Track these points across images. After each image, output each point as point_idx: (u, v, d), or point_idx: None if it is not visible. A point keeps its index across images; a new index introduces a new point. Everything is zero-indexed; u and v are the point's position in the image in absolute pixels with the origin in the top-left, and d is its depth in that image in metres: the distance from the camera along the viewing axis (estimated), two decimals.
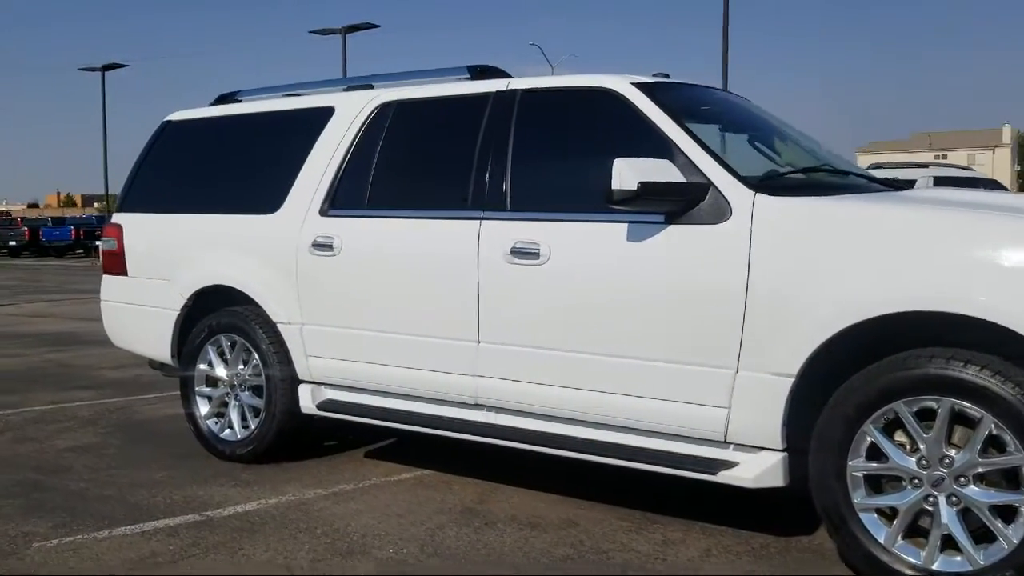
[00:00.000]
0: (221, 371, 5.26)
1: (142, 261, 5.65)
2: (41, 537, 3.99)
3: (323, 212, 4.84)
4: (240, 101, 5.75)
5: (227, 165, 5.50)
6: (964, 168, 19.50)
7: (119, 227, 5.78)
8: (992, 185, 13.93)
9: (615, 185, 3.58)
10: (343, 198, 4.83)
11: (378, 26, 30.96)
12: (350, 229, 4.71)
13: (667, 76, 4.40)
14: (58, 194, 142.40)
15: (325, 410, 4.83)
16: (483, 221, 4.24)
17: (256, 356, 5.06)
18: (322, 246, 4.76)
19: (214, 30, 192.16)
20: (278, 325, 4.97)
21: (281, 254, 4.94)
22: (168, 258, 5.47)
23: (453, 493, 4.58)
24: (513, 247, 4.10)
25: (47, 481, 4.86)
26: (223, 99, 5.85)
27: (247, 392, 5.16)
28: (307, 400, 4.90)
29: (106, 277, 5.90)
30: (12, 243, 40.85)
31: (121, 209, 5.87)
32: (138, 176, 5.85)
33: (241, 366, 5.18)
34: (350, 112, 4.96)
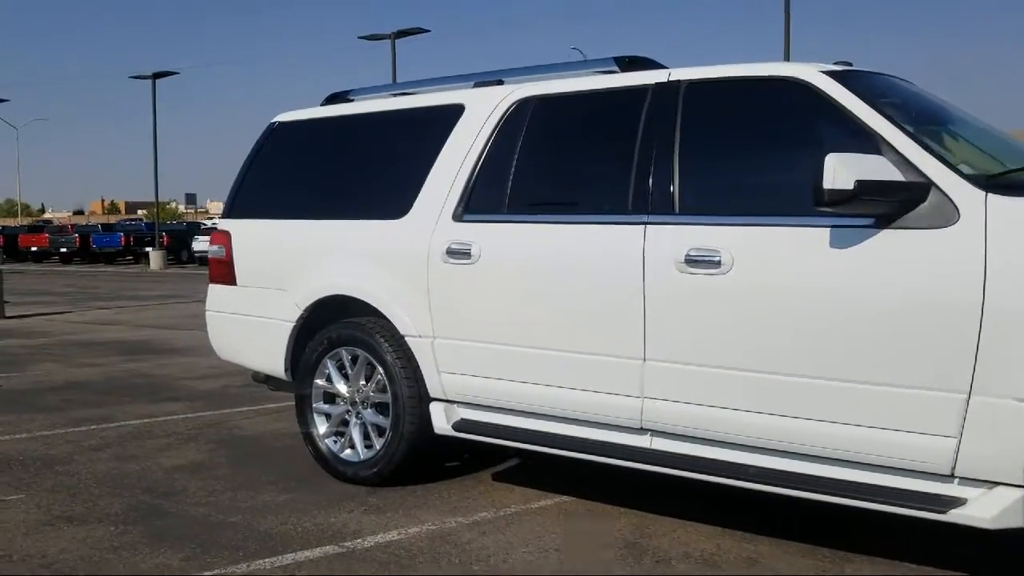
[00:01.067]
0: (341, 387, 4.92)
1: (253, 270, 5.33)
2: (177, 571, 3.66)
3: (457, 217, 4.48)
4: (352, 100, 5.43)
5: (344, 168, 5.17)
6: None
7: (227, 234, 5.47)
8: None
9: (827, 184, 3.17)
10: (479, 202, 4.47)
11: (428, 31, 30.77)
12: (490, 235, 4.35)
13: (850, 64, 3.98)
14: (102, 201, 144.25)
15: (462, 431, 4.47)
16: (648, 226, 3.86)
17: (381, 371, 4.71)
18: (458, 253, 4.40)
19: (261, 38, 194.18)
20: (407, 338, 4.61)
21: (410, 262, 4.59)
22: (282, 267, 5.15)
23: (605, 524, 4.19)
24: (687, 255, 3.70)
25: (164, 505, 4.54)
26: (333, 99, 5.53)
27: (370, 410, 4.81)
28: (440, 420, 4.53)
29: (212, 286, 5.59)
30: (64, 249, 41.20)
31: (229, 215, 5.56)
32: (246, 180, 5.54)
33: (363, 382, 4.83)
34: (483, 110, 4.60)
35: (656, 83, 4.07)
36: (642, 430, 3.94)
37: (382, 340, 4.68)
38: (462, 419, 4.51)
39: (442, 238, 4.48)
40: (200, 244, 38.17)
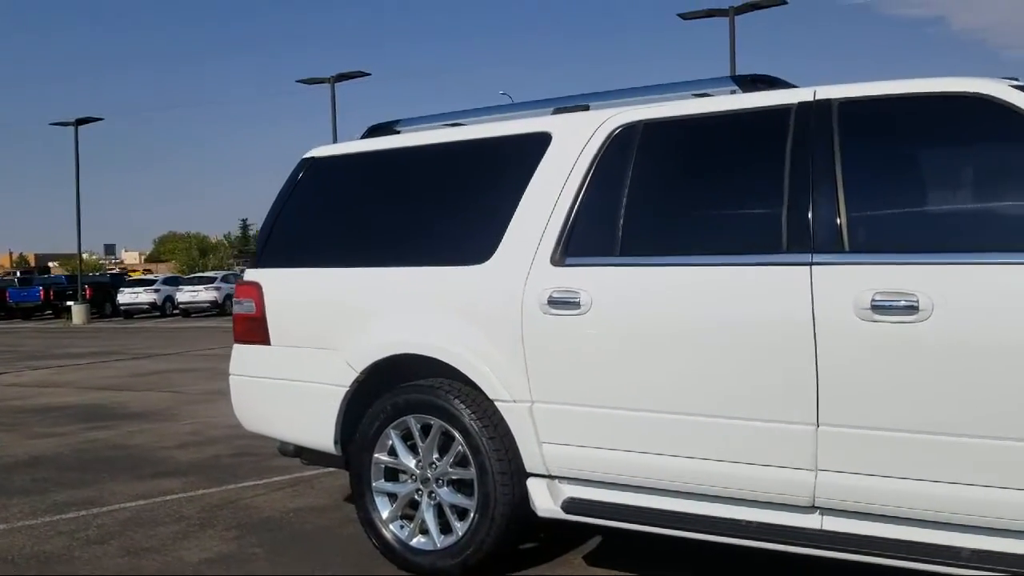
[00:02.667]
0: (408, 461, 4.21)
1: (291, 327, 4.61)
2: None
3: (557, 261, 3.86)
4: (399, 132, 4.79)
5: (400, 207, 4.50)
6: None
7: (257, 286, 4.73)
8: None
9: None
10: (583, 243, 3.86)
11: (368, 74, 30.06)
12: (602, 281, 3.73)
13: (1016, 79, 3.51)
14: (10, 254, 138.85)
15: (574, 513, 3.80)
16: (814, 267, 3.29)
17: (461, 442, 4.02)
18: (563, 303, 3.77)
19: (190, 83, 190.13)
20: (497, 403, 3.95)
21: (498, 313, 3.94)
22: (329, 322, 4.44)
23: None
24: (874, 300, 3.14)
25: None
26: (377, 130, 4.88)
27: (447, 488, 4.11)
28: (544, 500, 3.86)
29: (239, 347, 4.84)
30: None
31: (259, 264, 4.83)
32: (277, 224, 4.83)
33: (436, 455, 4.14)
34: (576, 138, 4.01)
35: (800, 102, 3.54)
36: (812, 508, 3.34)
37: (462, 406, 4.00)
38: (572, 499, 3.84)
39: (540, 285, 3.85)
40: (127, 296, 36.59)
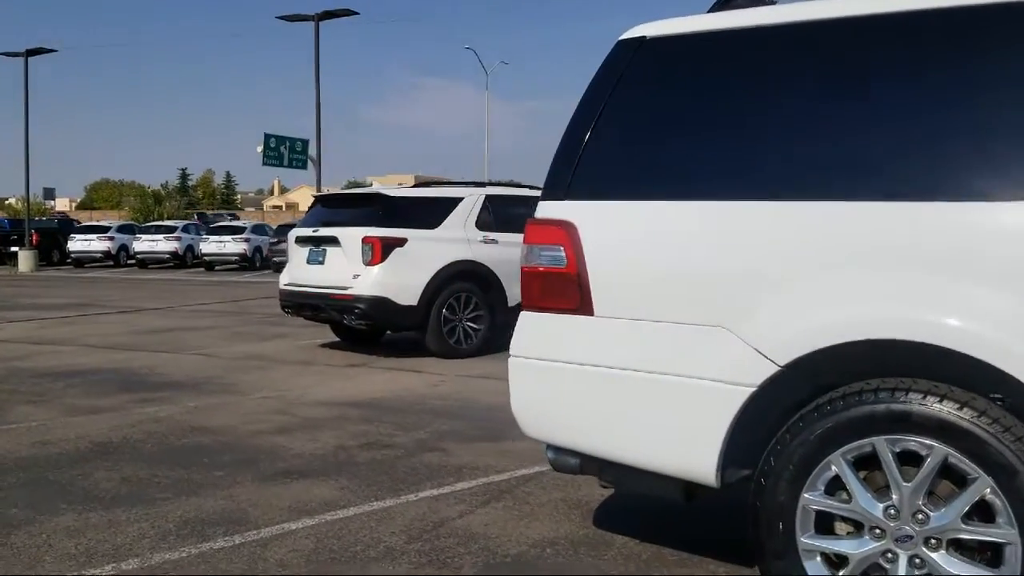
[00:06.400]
0: (872, 508, 2.70)
1: (632, 288, 3.05)
2: None
3: None
4: (775, 2, 3.23)
5: (830, 108, 2.94)
6: None
7: (569, 227, 3.15)
8: None
9: None
10: None
11: (357, 13, 27.84)
12: None
13: None
14: None
15: None
16: None
17: (990, 484, 2.52)
18: None
19: (158, 15, 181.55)
20: None
21: None
22: (708, 284, 2.90)
23: None
24: None
25: None
26: (727, 2, 3.30)
27: (947, 552, 2.61)
28: None
29: (533, 316, 3.26)
30: None
31: (567, 194, 3.23)
32: (595, 135, 3.23)
33: (924, 500, 2.63)
34: None
35: None
36: None
37: (996, 426, 2.50)
38: None
39: None
40: (78, 244, 34.04)
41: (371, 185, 58.85)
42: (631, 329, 3.03)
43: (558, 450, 3.35)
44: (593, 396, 3.13)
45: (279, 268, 28.32)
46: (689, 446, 2.93)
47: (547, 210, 3.25)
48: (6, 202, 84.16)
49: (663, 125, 3.18)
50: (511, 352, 3.31)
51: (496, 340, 9.65)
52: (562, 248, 3.14)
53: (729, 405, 2.83)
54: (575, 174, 3.21)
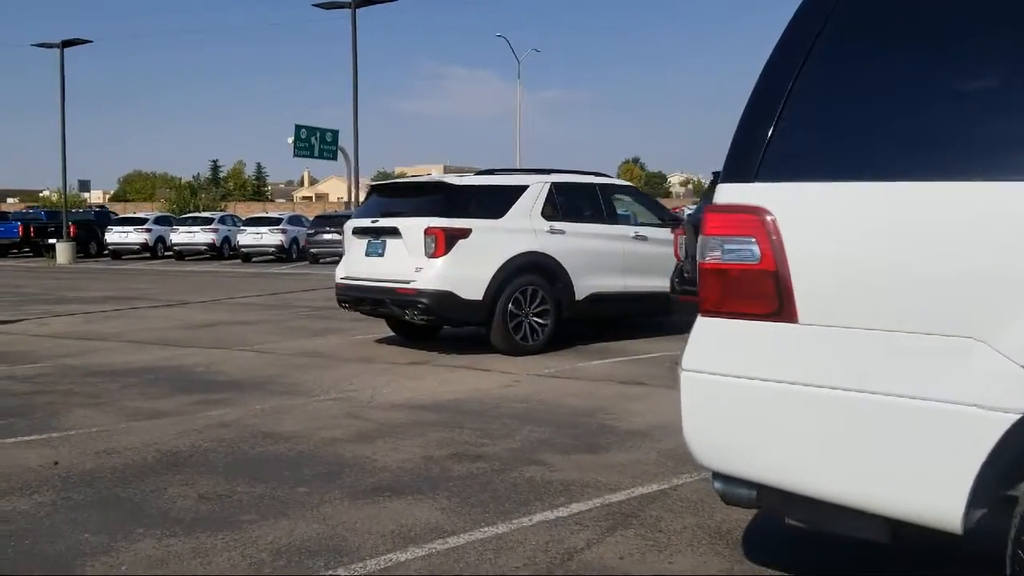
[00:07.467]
0: None
1: (852, 290, 2.50)
2: None
3: None
4: None
5: None
6: None
7: (763, 215, 2.61)
8: None
9: None
10: None
11: None
12: None
13: None
14: None
15: None
16: None
17: None
18: None
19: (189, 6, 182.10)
20: None
21: None
22: (966, 283, 2.34)
23: None
24: None
25: None
26: None
27: None
28: None
29: (714, 322, 2.73)
30: None
31: (758, 175, 2.68)
32: (793, 100, 2.68)
33: None
34: None
35: None
36: None
37: None
38: None
39: None
40: (115, 236, 33.88)
41: (401, 176, 58.13)
42: (849, 340, 2.49)
43: (729, 480, 2.82)
44: (793, 421, 2.60)
45: (315, 259, 28.40)
46: (925, 483, 2.39)
47: (732, 194, 2.71)
48: (40, 195, 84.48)
49: (896, 79, 2.60)
50: (683, 366, 2.78)
51: (561, 335, 9.15)
52: (755, 240, 2.61)
53: (985, 435, 2.28)
54: (768, 148, 2.66)
